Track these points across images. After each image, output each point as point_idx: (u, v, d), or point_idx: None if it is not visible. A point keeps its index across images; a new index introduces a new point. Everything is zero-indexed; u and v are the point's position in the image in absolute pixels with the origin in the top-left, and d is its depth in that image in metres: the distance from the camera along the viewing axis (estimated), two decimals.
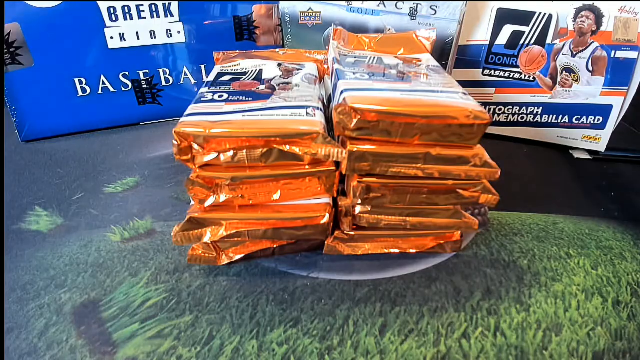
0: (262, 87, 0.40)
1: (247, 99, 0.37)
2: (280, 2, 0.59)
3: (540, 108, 0.61)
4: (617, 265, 0.40)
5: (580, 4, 0.55)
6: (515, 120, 0.62)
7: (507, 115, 0.62)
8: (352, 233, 0.38)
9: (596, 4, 0.55)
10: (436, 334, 0.32)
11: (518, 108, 0.61)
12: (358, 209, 0.36)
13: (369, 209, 0.36)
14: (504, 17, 0.57)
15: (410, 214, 0.36)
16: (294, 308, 0.35)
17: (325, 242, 0.38)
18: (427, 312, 0.34)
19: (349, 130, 0.32)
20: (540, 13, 0.56)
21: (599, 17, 0.55)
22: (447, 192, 0.35)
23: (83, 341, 0.32)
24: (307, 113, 0.35)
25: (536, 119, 0.61)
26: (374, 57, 0.45)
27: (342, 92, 0.34)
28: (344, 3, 0.57)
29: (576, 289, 0.37)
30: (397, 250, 0.39)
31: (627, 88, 0.56)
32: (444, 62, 0.58)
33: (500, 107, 0.61)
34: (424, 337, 0.32)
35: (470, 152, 0.33)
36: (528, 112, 0.61)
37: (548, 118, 0.61)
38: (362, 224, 0.37)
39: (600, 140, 0.60)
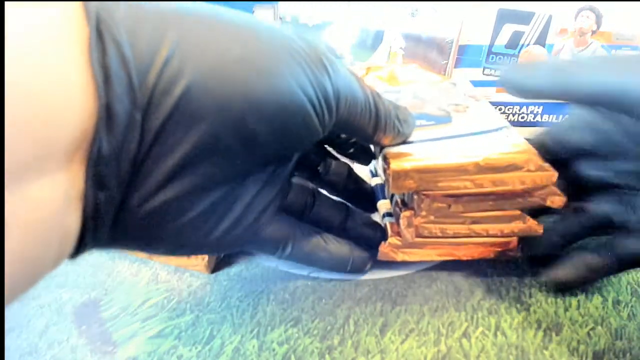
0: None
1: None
2: (280, 2, 0.60)
3: (541, 108, 0.61)
4: None
5: (580, 4, 0.55)
6: (516, 120, 0.62)
7: (507, 115, 0.62)
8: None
9: (596, 4, 0.55)
10: (437, 333, 0.32)
11: (518, 108, 0.61)
12: (420, 219, 0.35)
13: (432, 218, 0.34)
14: (504, 17, 0.57)
15: (475, 221, 0.35)
16: (294, 307, 0.35)
17: (379, 249, 0.37)
18: (428, 311, 0.34)
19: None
20: (540, 13, 0.56)
21: (599, 17, 0.55)
22: (514, 196, 0.34)
23: (84, 340, 0.32)
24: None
25: (536, 119, 0.61)
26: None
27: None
28: (344, 3, 0.58)
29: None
30: (450, 258, 0.37)
31: None
32: (444, 62, 0.58)
33: (500, 107, 0.61)
34: (424, 337, 0.32)
35: (523, 157, 0.32)
36: (528, 112, 0.61)
37: (548, 118, 0.61)
38: (425, 235, 0.35)
39: None
